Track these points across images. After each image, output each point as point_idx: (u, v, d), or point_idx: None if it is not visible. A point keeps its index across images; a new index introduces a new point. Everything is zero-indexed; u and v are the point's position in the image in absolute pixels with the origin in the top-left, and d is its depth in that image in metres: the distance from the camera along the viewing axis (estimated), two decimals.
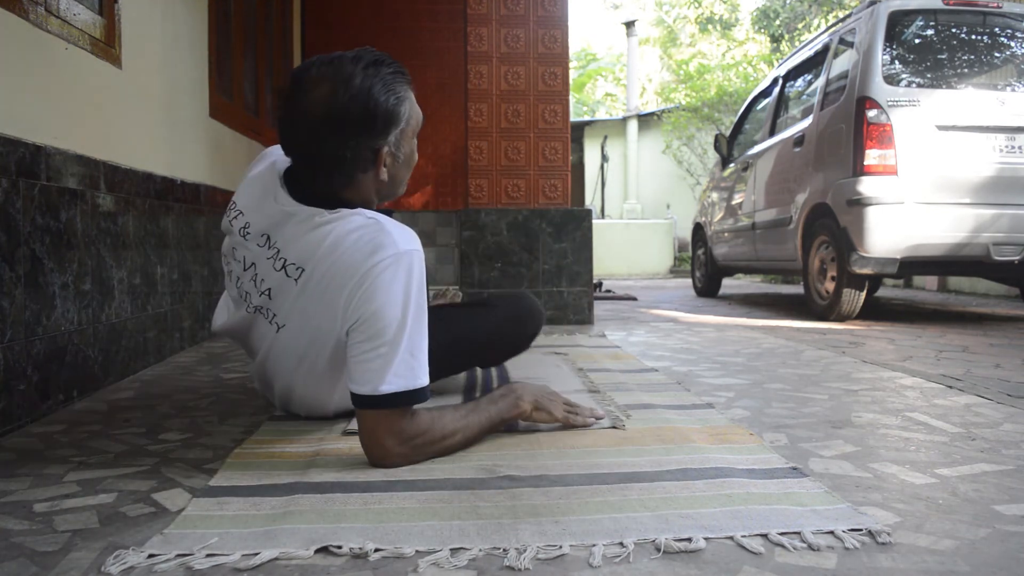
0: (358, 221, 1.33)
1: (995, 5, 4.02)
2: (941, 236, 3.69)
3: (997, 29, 4.07)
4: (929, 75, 3.90)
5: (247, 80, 3.89)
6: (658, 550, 0.95)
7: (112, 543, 0.98)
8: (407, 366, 1.26)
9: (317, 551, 0.94)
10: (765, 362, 2.53)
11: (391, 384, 1.24)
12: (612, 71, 21.59)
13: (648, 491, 1.15)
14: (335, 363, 1.42)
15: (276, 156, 1.47)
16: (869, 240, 3.68)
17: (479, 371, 2.27)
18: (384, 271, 1.27)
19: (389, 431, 1.26)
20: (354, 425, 1.54)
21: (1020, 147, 3.73)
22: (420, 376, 1.28)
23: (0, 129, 1.57)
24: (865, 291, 3.95)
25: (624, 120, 13.83)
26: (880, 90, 3.77)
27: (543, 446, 1.41)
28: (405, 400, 1.26)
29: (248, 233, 1.42)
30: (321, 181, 1.37)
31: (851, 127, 3.83)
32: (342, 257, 1.30)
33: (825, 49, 4.56)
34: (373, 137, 1.34)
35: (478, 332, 1.89)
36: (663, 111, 13.57)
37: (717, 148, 6.04)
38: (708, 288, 6.31)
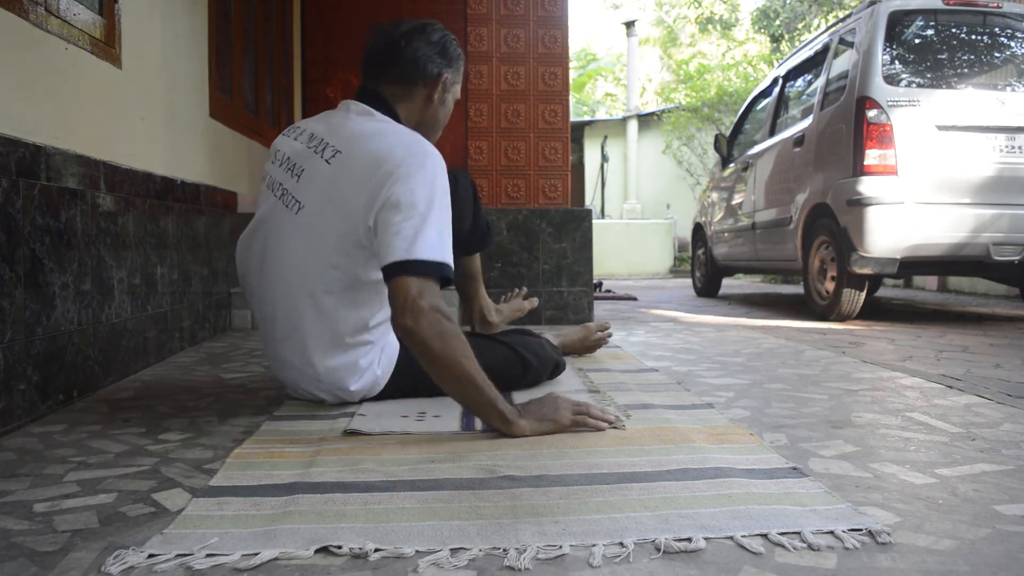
0: (401, 128, 1.54)
1: (995, 5, 4.02)
2: (941, 236, 3.69)
3: (997, 29, 4.07)
4: (929, 75, 3.90)
5: (247, 80, 3.89)
6: (658, 550, 0.95)
7: (112, 543, 0.98)
8: (438, 241, 1.38)
9: (317, 551, 0.94)
10: (765, 362, 2.53)
11: (424, 252, 1.35)
12: (612, 71, 21.59)
13: (648, 491, 1.15)
14: (347, 259, 1.48)
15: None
16: (869, 240, 3.68)
17: None
18: (420, 160, 1.44)
19: (422, 293, 1.34)
20: (354, 425, 1.55)
21: (1020, 147, 3.73)
22: (448, 255, 1.39)
23: (0, 129, 1.58)
24: (865, 291, 3.95)
25: (624, 120, 13.83)
26: (880, 90, 3.77)
27: (543, 446, 1.41)
28: (437, 270, 1.36)
29: (303, 141, 1.58)
30: (388, 83, 1.59)
31: (851, 127, 3.83)
32: (382, 145, 1.46)
33: (825, 49, 4.56)
34: (442, 61, 1.61)
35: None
36: (663, 111, 13.57)
37: (717, 148, 6.04)
38: (708, 288, 6.31)
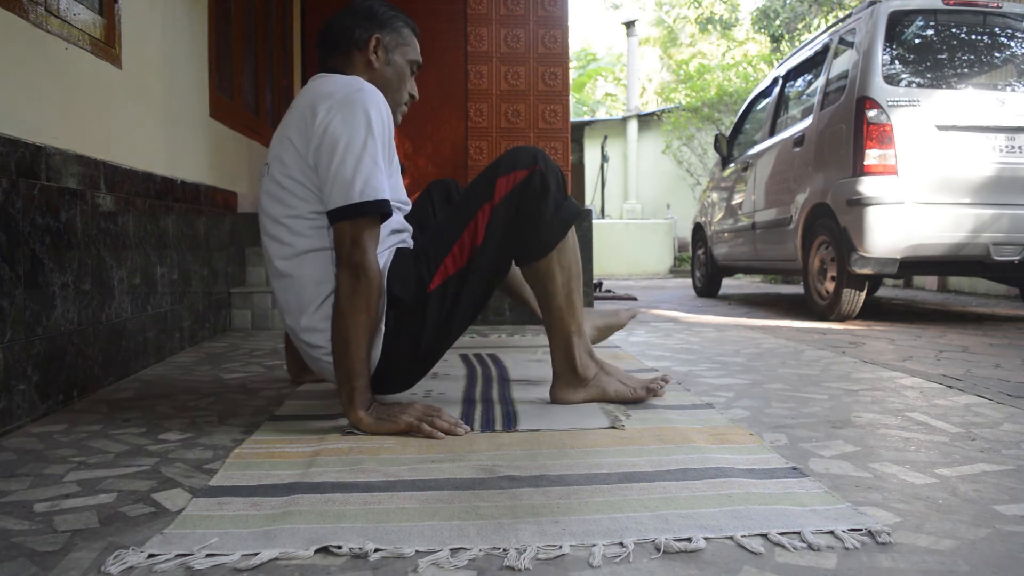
0: (341, 75, 1.61)
1: (995, 5, 4.02)
2: (941, 236, 3.69)
3: (997, 29, 4.07)
4: (929, 75, 3.90)
5: (247, 80, 3.89)
6: (658, 550, 0.95)
7: (112, 543, 0.98)
8: (373, 178, 1.47)
9: (317, 551, 0.94)
10: (765, 362, 2.53)
11: (363, 195, 1.46)
12: (612, 71, 21.59)
13: (648, 491, 1.15)
14: (300, 198, 1.55)
15: None
16: (869, 240, 3.68)
17: (478, 367, 2.28)
18: (354, 97, 1.50)
19: (369, 235, 1.47)
20: None
21: (1020, 147, 3.73)
22: (384, 191, 1.49)
23: (0, 129, 1.58)
24: (865, 291, 3.95)
25: (624, 120, 13.83)
26: (880, 90, 3.77)
27: (543, 446, 1.41)
28: (375, 209, 1.47)
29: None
30: (332, 59, 1.70)
31: (851, 127, 3.83)
32: (320, 89, 1.54)
33: (825, 49, 4.56)
34: (370, 24, 1.68)
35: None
36: (663, 111, 13.57)
37: (717, 148, 6.04)
38: (708, 288, 6.31)
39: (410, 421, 1.47)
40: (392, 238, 1.65)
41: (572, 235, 1.70)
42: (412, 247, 1.69)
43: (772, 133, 5.10)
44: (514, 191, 1.60)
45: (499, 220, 1.60)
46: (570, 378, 1.74)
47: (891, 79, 3.83)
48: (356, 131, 1.48)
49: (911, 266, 3.83)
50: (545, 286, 1.68)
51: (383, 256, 1.59)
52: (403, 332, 1.60)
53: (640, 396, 1.75)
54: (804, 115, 4.60)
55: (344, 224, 1.46)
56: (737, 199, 5.51)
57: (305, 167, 1.53)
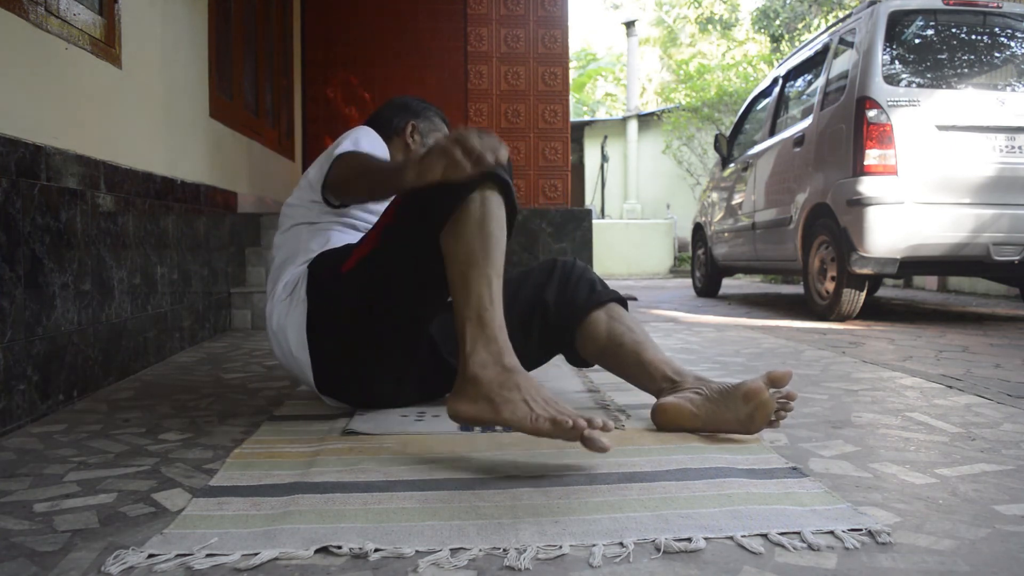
0: None
1: (995, 5, 4.02)
2: (941, 236, 3.69)
3: (997, 29, 4.07)
4: (929, 75, 3.90)
5: (247, 80, 3.89)
6: (658, 550, 0.95)
7: (112, 543, 0.98)
8: (346, 147, 1.64)
9: (317, 551, 0.94)
10: (765, 362, 2.53)
11: (339, 150, 1.63)
12: (612, 71, 21.59)
13: (648, 491, 1.15)
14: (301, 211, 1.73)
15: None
16: (869, 240, 3.68)
17: None
18: (350, 131, 1.75)
19: (341, 157, 1.62)
20: (354, 425, 1.55)
21: (1020, 147, 3.73)
22: (354, 151, 1.64)
23: (0, 129, 1.58)
24: (865, 291, 3.95)
25: (624, 120, 13.83)
26: (880, 90, 3.77)
27: (543, 446, 1.41)
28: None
29: None
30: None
31: (851, 127, 3.83)
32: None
33: (825, 49, 4.56)
34: (405, 114, 1.92)
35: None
36: (663, 111, 13.57)
37: (717, 148, 6.04)
38: (708, 288, 6.31)
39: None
40: (339, 222, 1.72)
41: (479, 205, 1.38)
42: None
43: (772, 133, 5.10)
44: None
45: (410, 196, 1.46)
46: (462, 384, 1.32)
47: (891, 79, 3.83)
48: (341, 138, 1.70)
49: (911, 266, 3.83)
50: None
51: (324, 234, 1.68)
52: (324, 319, 1.57)
53: (541, 430, 1.22)
54: (804, 115, 4.59)
55: (332, 169, 1.63)
56: (737, 199, 5.51)
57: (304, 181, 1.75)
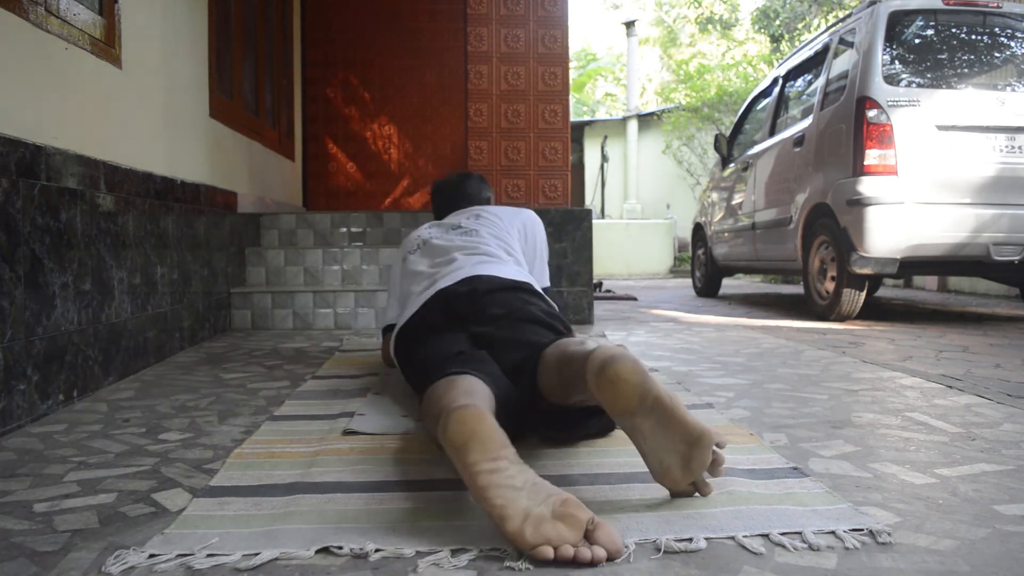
0: None
1: (995, 5, 4.02)
2: (941, 236, 3.69)
3: (997, 29, 4.07)
4: (929, 75, 3.90)
5: (247, 80, 3.89)
6: (659, 550, 0.95)
7: (112, 543, 0.98)
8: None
9: (317, 551, 0.94)
10: (765, 362, 2.53)
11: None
12: (612, 71, 21.58)
13: (649, 491, 1.15)
14: None
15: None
16: (869, 240, 3.68)
17: None
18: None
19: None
20: (354, 425, 1.55)
21: (1020, 147, 3.73)
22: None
23: (0, 129, 1.57)
24: (865, 291, 3.95)
25: (624, 120, 13.82)
26: (880, 90, 3.77)
27: (543, 446, 1.41)
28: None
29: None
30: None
31: (851, 127, 3.83)
32: None
33: (825, 49, 4.56)
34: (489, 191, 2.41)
35: None
36: (663, 111, 13.56)
37: (717, 148, 6.04)
38: (708, 288, 6.31)
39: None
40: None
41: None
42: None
43: (772, 133, 5.09)
44: None
45: None
46: None
47: (891, 79, 3.83)
48: (543, 238, 2.27)
49: (911, 266, 3.83)
50: None
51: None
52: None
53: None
54: (804, 115, 4.59)
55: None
56: (737, 199, 5.51)
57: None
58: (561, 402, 1.35)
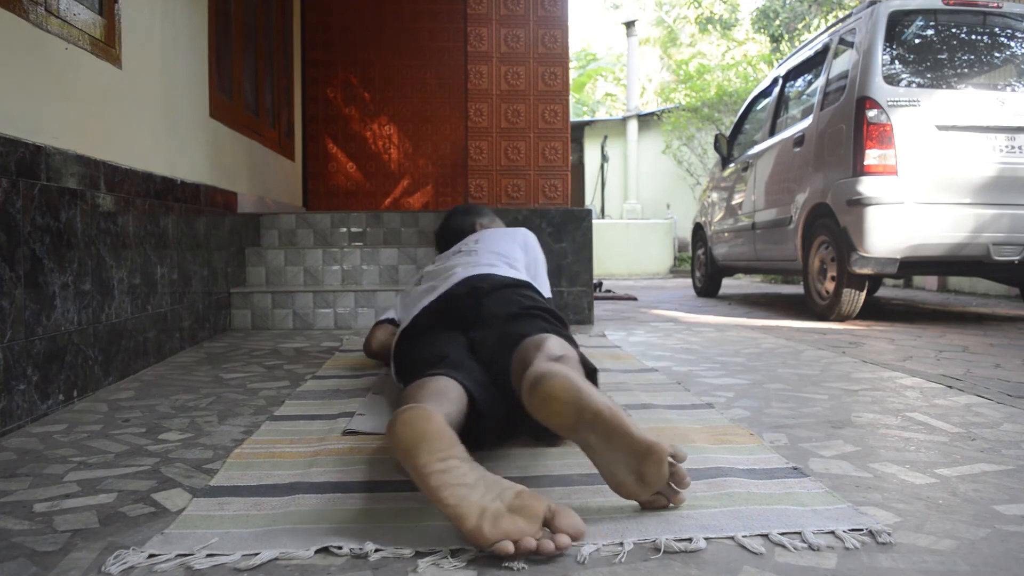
0: None
1: (995, 5, 4.02)
2: (941, 236, 3.69)
3: (997, 29, 4.07)
4: (929, 75, 3.90)
5: (247, 80, 3.89)
6: (658, 550, 0.95)
7: (112, 543, 0.98)
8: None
9: (317, 551, 0.94)
10: (765, 362, 2.53)
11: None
12: (612, 71, 21.58)
13: None
14: None
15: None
16: (869, 240, 3.68)
17: None
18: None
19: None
20: (354, 425, 1.55)
21: (1020, 147, 3.73)
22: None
23: (0, 129, 1.57)
24: (865, 291, 3.94)
25: (624, 120, 13.82)
26: (880, 90, 3.77)
27: (538, 445, 1.41)
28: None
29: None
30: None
31: (851, 127, 3.83)
32: None
33: (825, 49, 4.56)
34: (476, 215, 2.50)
35: None
36: (663, 111, 13.55)
37: (717, 148, 6.04)
38: (708, 288, 6.31)
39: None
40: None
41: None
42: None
43: (772, 133, 5.09)
44: None
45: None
46: None
47: (891, 79, 3.83)
48: (538, 252, 2.27)
49: (911, 266, 3.83)
50: None
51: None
52: None
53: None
54: (804, 115, 4.59)
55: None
56: (737, 199, 5.51)
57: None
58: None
